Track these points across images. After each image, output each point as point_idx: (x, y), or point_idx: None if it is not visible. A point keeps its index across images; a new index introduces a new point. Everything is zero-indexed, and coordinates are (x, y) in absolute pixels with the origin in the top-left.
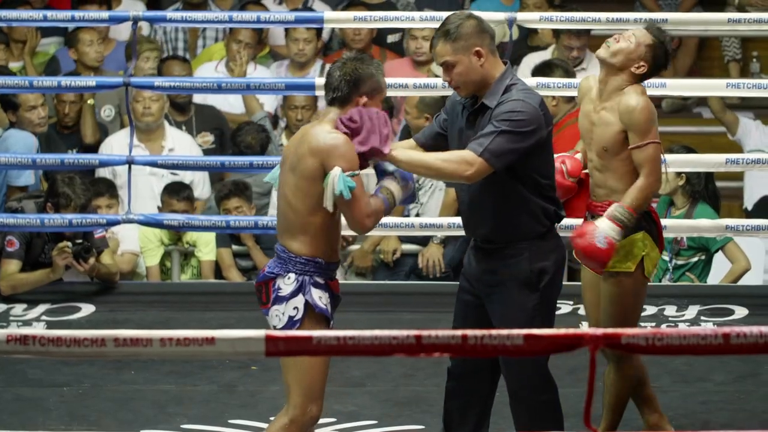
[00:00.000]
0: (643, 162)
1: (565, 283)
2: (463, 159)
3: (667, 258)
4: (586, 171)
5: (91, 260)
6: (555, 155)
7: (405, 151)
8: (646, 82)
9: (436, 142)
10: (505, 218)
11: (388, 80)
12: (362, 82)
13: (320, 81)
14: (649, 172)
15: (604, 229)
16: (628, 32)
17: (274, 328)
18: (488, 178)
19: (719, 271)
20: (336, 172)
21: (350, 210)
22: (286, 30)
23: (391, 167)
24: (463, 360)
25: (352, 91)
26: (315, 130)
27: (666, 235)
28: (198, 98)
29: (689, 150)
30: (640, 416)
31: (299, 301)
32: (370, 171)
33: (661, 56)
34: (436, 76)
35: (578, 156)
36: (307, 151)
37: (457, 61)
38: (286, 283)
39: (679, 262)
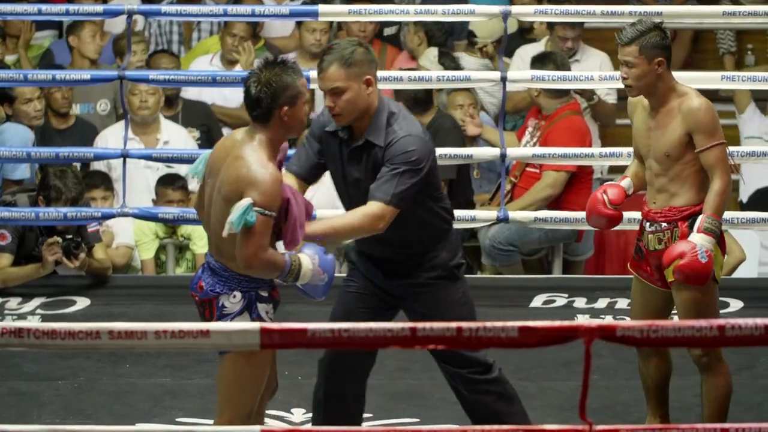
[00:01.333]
0: (713, 164)
1: (559, 276)
2: (373, 214)
3: None
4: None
5: (81, 256)
6: (601, 186)
7: (314, 225)
8: None
9: (315, 173)
10: (417, 232)
11: (383, 73)
12: (280, 94)
13: (313, 74)
14: (721, 174)
15: (701, 243)
16: (625, 58)
17: None
18: None
19: None
20: (244, 202)
21: (242, 242)
22: (298, 21)
23: (315, 254)
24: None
25: (272, 105)
26: (248, 158)
27: None
28: (191, 92)
29: None
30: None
31: (245, 318)
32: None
33: (661, 37)
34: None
35: (625, 182)
36: (234, 178)
37: (348, 87)
38: (232, 302)
39: None
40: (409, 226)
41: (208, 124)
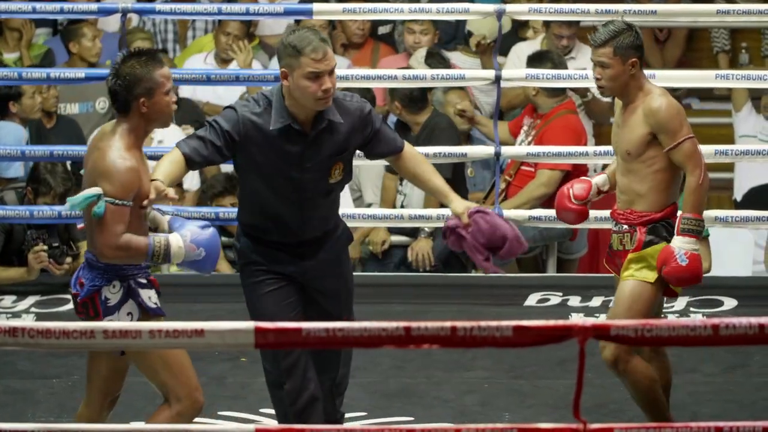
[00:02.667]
0: (683, 160)
1: (553, 274)
2: (416, 151)
3: None
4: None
5: (67, 261)
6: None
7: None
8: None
9: (205, 163)
10: (334, 208)
11: (378, 72)
12: (135, 85)
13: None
14: (693, 168)
15: (680, 246)
16: (599, 59)
17: None
18: (335, 185)
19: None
20: (92, 190)
21: (96, 233)
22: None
23: (187, 230)
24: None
25: (128, 97)
26: (105, 148)
27: None
28: (184, 91)
29: None
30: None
31: (131, 305)
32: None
33: (634, 38)
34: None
35: (599, 178)
36: (92, 168)
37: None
38: (113, 292)
39: None
40: (336, 199)
41: (199, 121)
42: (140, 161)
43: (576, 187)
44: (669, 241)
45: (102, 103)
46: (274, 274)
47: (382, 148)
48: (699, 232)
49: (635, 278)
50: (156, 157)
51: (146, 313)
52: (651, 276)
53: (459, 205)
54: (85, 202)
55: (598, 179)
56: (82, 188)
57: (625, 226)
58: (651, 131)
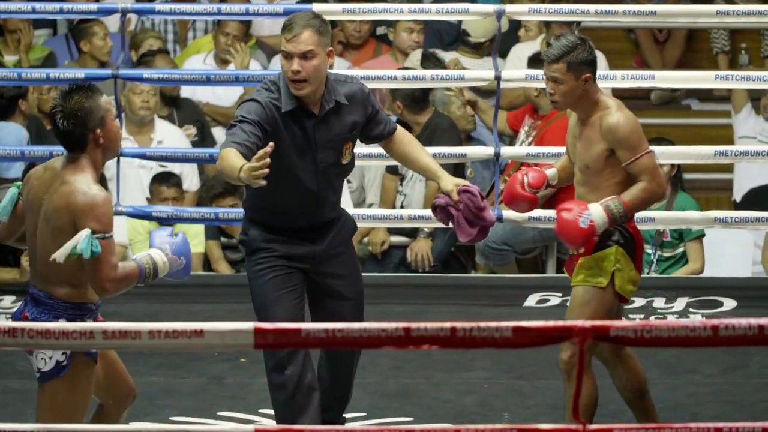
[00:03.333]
0: (640, 172)
1: (553, 275)
2: (406, 131)
3: (651, 251)
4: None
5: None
6: (523, 167)
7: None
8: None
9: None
10: (340, 194)
11: (378, 72)
12: (88, 119)
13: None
14: (649, 180)
15: (592, 212)
16: (552, 75)
17: (38, 370)
18: (346, 167)
19: (711, 262)
20: (84, 233)
21: (93, 271)
22: None
23: (165, 243)
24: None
25: (85, 133)
26: (75, 183)
27: (654, 226)
28: (184, 91)
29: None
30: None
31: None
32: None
33: (588, 53)
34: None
35: (550, 171)
36: (64, 205)
37: (318, 54)
38: None
39: (666, 254)
40: (343, 185)
41: (201, 121)
42: None
43: (531, 176)
44: (624, 246)
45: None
46: (281, 261)
47: (380, 129)
48: (616, 220)
49: (587, 283)
50: (155, 157)
51: (80, 356)
52: (602, 281)
53: (449, 182)
54: (89, 247)
55: (549, 172)
56: (46, 226)
57: None
58: (609, 147)
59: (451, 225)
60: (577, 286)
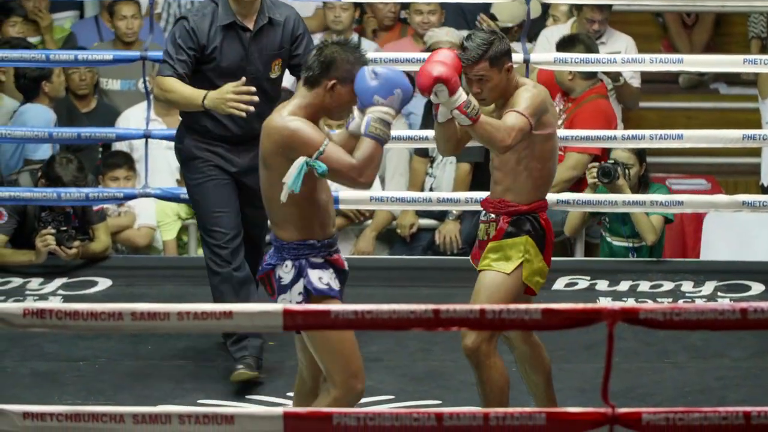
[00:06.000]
0: (503, 121)
1: (582, 258)
2: None
3: (628, 245)
4: None
5: (75, 247)
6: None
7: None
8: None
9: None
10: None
11: (404, 55)
12: (335, 67)
13: None
14: (504, 130)
15: (461, 93)
16: (477, 75)
17: None
18: (275, 82)
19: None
20: (297, 163)
21: (340, 178)
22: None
23: (371, 94)
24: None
25: (323, 74)
26: (273, 120)
27: (683, 210)
28: None
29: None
30: None
31: (301, 286)
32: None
33: (503, 42)
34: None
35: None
36: (271, 145)
37: None
38: (285, 272)
39: (636, 245)
40: (275, 101)
41: None
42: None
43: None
44: (533, 237)
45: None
46: (216, 171)
47: (301, 58)
48: (468, 112)
49: (492, 269)
50: None
51: (319, 294)
52: (508, 267)
53: None
54: (300, 177)
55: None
56: (263, 169)
57: (492, 215)
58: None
59: None
60: (484, 271)
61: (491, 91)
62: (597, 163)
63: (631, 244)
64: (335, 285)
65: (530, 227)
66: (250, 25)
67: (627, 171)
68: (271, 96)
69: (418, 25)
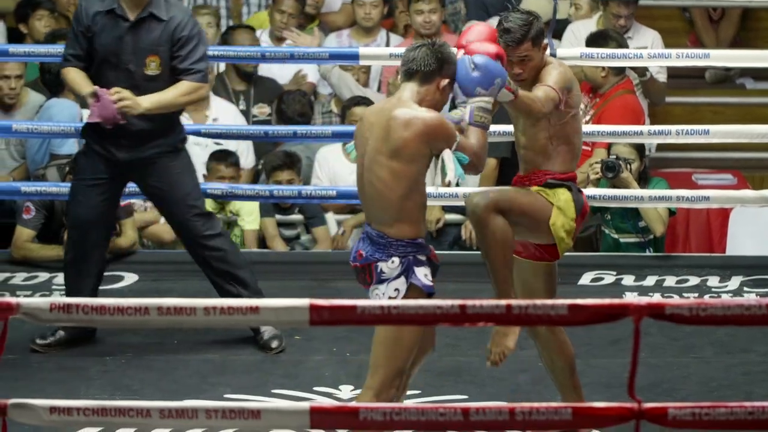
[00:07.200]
0: (537, 92)
1: (608, 253)
2: (193, 87)
3: (641, 239)
4: None
5: None
6: None
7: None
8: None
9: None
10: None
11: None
12: (447, 65)
13: (364, 51)
14: (540, 99)
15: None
16: (521, 56)
17: None
18: (152, 79)
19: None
20: (446, 156)
21: (467, 167)
22: None
23: (471, 84)
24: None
25: (437, 70)
26: (409, 112)
27: (709, 205)
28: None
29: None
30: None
31: (401, 282)
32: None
33: (539, 21)
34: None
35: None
36: (411, 134)
37: None
38: (390, 267)
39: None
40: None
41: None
42: None
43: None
44: (569, 188)
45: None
46: (93, 170)
47: (177, 62)
48: (510, 91)
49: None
50: (210, 134)
51: (417, 290)
52: (550, 202)
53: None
54: (461, 160)
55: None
56: (383, 159)
57: (527, 186)
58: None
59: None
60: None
61: (533, 70)
62: (600, 159)
63: (643, 239)
64: (432, 281)
65: (570, 187)
66: (131, 17)
67: (629, 165)
68: (147, 94)
69: (421, 25)
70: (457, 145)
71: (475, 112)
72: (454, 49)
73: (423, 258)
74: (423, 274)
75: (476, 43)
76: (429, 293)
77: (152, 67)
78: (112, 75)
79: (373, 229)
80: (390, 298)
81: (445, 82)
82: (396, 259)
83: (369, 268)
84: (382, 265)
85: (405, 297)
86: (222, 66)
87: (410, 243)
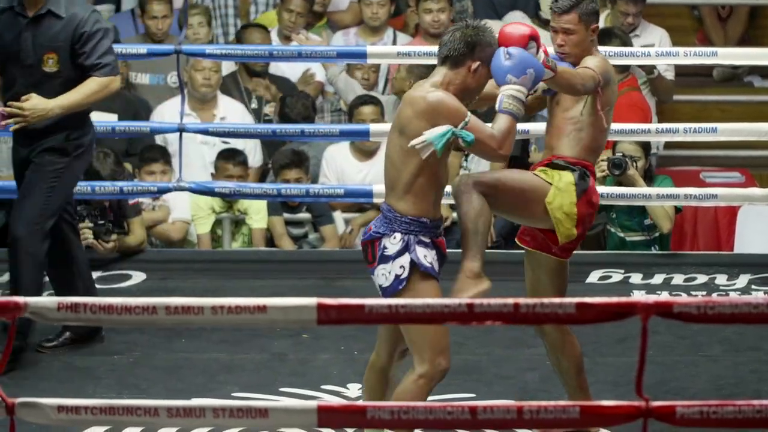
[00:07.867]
0: (578, 68)
1: (615, 251)
2: (102, 83)
3: (645, 237)
4: None
5: (112, 240)
6: None
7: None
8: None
9: None
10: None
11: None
12: (480, 48)
13: (372, 49)
14: (574, 73)
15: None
16: (564, 26)
17: (380, 287)
18: (50, 77)
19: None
20: (443, 127)
21: (481, 149)
22: None
23: (507, 73)
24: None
25: (468, 54)
26: (417, 91)
27: (717, 203)
28: (271, 67)
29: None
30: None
31: (405, 260)
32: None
33: (595, 3)
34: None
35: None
36: (414, 112)
37: None
38: (392, 243)
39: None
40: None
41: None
42: None
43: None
44: (575, 175)
45: (174, 78)
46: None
47: (82, 59)
48: (554, 65)
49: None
50: (218, 133)
51: (417, 270)
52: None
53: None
54: (443, 140)
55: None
56: (394, 135)
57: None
58: None
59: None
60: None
61: (574, 47)
62: (606, 157)
63: (649, 237)
64: (436, 266)
65: (577, 170)
66: (30, 13)
67: (634, 163)
68: (47, 92)
69: (429, 24)
70: (465, 124)
71: (504, 99)
72: (496, 32)
73: (426, 240)
74: (422, 255)
75: (511, 26)
76: (432, 276)
77: (50, 64)
78: (17, 72)
79: (386, 203)
80: (396, 276)
81: (476, 64)
82: (398, 235)
83: (372, 246)
84: (385, 241)
85: (410, 276)
86: (233, 65)
87: (414, 220)
